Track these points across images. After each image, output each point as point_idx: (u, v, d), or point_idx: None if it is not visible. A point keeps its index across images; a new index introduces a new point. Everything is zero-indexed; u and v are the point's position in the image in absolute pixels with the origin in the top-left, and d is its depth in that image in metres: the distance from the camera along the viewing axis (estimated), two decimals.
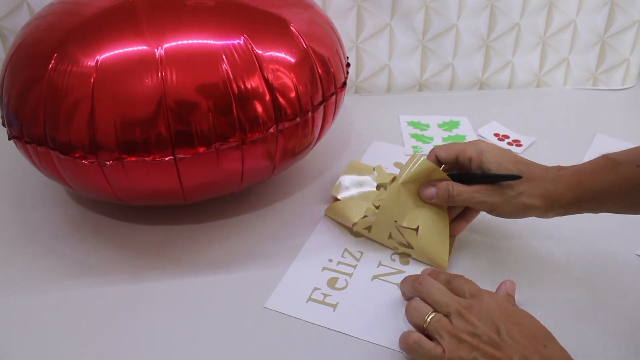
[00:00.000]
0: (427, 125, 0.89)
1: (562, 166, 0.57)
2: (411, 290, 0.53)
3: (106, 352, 0.52)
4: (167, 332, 0.54)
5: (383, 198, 0.60)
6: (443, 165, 0.62)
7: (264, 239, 0.65)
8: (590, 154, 0.81)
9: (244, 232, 0.66)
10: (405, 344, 0.49)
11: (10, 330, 0.54)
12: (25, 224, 0.67)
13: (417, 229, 0.60)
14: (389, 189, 0.61)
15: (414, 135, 0.86)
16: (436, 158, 0.61)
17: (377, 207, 0.60)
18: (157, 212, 0.68)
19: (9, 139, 0.61)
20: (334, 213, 0.67)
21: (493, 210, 0.58)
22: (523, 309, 0.50)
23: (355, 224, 0.62)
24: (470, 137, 0.85)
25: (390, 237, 0.61)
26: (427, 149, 0.82)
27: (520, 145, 0.83)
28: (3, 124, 0.61)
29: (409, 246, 0.61)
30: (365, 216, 0.61)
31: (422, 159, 0.60)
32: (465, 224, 0.63)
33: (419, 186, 0.61)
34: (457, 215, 0.63)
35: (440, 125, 0.89)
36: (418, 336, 0.48)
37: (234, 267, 0.61)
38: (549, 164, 0.78)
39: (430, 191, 0.60)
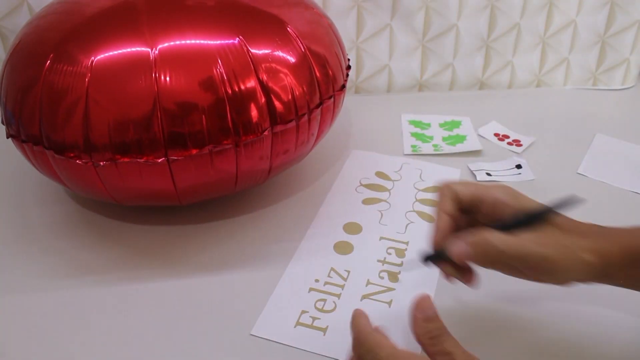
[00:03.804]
0: (429, 125, 0.89)
1: (594, 224, 0.47)
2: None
3: (100, 351, 0.52)
4: (157, 333, 0.54)
5: None
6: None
7: (258, 243, 0.65)
8: (590, 154, 0.81)
9: (238, 235, 0.66)
10: None
11: (7, 329, 0.54)
12: (23, 222, 0.68)
13: None
14: None
15: (414, 134, 0.86)
16: (454, 195, 0.48)
17: None
18: (154, 212, 0.68)
19: (7, 138, 0.61)
20: None
21: (549, 271, 0.44)
22: None
23: None
24: (471, 137, 0.85)
25: None
26: (426, 147, 0.82)
27: (520, 145, 0.83)
28: (2, 123, 0.62)
29: None
30: None
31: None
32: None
33: None
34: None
35: (441, 125, 0.88)
36: None
37: (225, 270, 0.61)
38: (549, 164, 0.79)
39: (462, 248, 0.45)
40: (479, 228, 0.45)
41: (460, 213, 0.48)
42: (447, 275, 0.48)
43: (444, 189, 0.49)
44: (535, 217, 0.45)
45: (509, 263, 0.44)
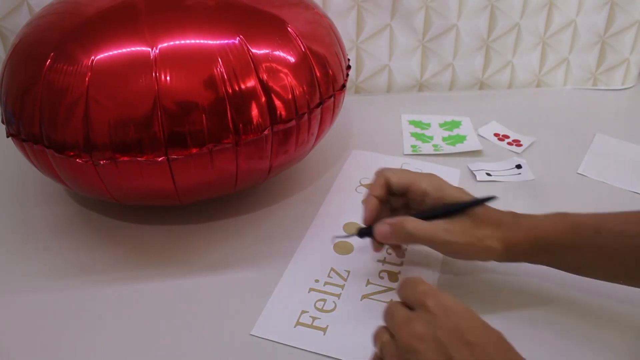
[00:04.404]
0: (429, 125, 0.89)
1: (516, 213, 0.55)
2: None
3: (100, 350, 0.52)
4: (157, 332, 0.54)
5: None
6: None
7: (258, 243, 0.65)
8: (590, 154, 0.81)
9: (238, 235, 0.66)
10: None
11: (7, 328, 0.54)
12: (24, 222, 0.68)
13: None
14: None
15: (414, 134, 0.86)
16: (385, 182, 0.56)
17: None
18: (155, 211, 0.68)
19: (7, 137, 0.61)
20: None
21: (456, 253, 0.54)
22: (472, 313, 0.42)
23: None
24: (471, 137, 0.85)
25: None
26: (426, 148, 0.82)
27: (520, 145, 0.83)
28: (2, 122, 0.62)
29: None
30: None
31: None
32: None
33: None
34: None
35: (441, 125, 0.89)
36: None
37: (225, 270, 0.61)
38: (549, 164, 0.79)
39: (384, 229, 0.54)
40: (403, 215, 0.54)
41: (391, 196, 0.57)
42: (376, 248, 0.58)
43: (378, 175, 0.57)
44: (452, 210, 0.53)
45: (421, 244, 0.54)
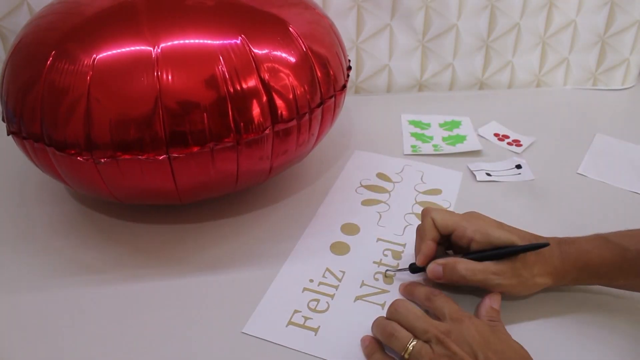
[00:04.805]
0: (428, 125, 0.89)
1: (560, 238, 0.56)
2: (386, 318, 0.52)
3: (98, 348, 0.52)
4: (152, 330, 0.54)
5: None
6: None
7: (257, 242, 0.65)
8: (590, 154, 0.81)
9: (238, 234, 0.66)
10: None
11: (7, 327, 0.54)
12: (24, 221, 0.68)
13: None
14: None
15: (414, 134, 0.86)
16: (433, 223, 0.57)
17: None
18: (155, 211, 0.68)
19: (8, 135, 0.61)
20: None
21: (507, 292, 0.54)
22: (504, 332, 0.50)
23: None
24: (471, 137, 0.85)
25: None
26: (426, 148, 0.82)
27: (520, 145, 0.83)
28: (3, 120, 0.62)
29: None
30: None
31: None
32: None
33: None
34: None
35: (441, 125, 0.89)
36: None
37: (223, 270, 0.61)
38: (549, 164, 0.79)
39: (437, 270, 0.55)
40: (455, 256, 0.57)
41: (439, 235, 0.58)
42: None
43: (425, 216, 0.58)
44: (502, 254, 0.54)
45: (472, 286, 0.55)
